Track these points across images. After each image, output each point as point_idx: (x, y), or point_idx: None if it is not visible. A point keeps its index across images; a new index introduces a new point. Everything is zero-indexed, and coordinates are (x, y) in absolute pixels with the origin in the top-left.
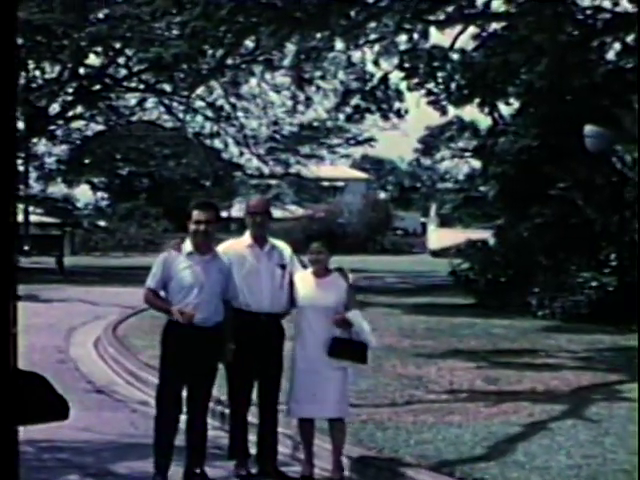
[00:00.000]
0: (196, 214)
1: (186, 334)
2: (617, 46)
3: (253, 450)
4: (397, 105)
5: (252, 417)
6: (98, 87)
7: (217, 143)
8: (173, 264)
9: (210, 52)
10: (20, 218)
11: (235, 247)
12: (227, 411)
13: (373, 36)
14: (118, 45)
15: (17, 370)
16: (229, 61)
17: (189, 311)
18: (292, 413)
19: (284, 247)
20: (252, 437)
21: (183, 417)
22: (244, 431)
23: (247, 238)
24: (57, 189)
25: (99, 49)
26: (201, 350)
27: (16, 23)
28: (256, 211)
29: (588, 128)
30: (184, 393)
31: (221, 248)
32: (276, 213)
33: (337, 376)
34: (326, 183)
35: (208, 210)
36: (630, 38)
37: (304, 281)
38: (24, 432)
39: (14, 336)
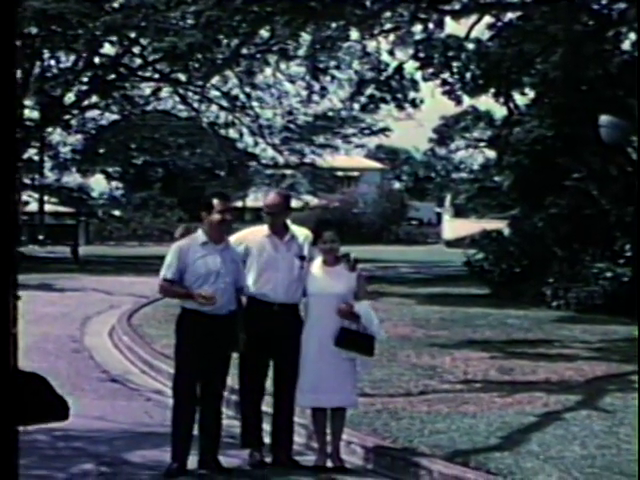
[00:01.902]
0: (220, 204)
1: (201, 322)
2: (632, 36)
3: (267, 439)
4: (412, 95)
5: (266, 406)
6: (113, 76)
7: (232, 133)
8: (188, 253)
9: (225, 42)
10: (35, 207)
11: (254, 236)
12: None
13: (388, 26)
14: (133, 34)
15: (17, 370)
16: (244, 51)
17: (210, 294)
18: (299, 402)
19: (304, 235)
20: (266, 426)
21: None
22: (258, 420)
23: (266, 228)
24: (72, 179)
25: (114, 38)
26: (216, 338)
27: (16, 21)
28: (270, 211)
29: (603, 118)
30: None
31: (239, 236)
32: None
33: (345, 366)
34: (341, 173)
35: (228, 200)
36: None
37: (315, 269)
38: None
39: (14, 336)
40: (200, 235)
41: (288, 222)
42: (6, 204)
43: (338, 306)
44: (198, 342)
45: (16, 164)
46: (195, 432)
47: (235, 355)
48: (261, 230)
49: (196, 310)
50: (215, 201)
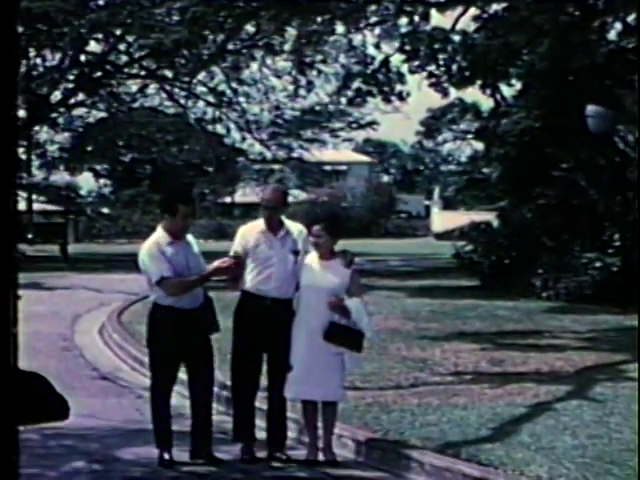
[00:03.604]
0: (185, 209)
1: (174, 316)
2: (618, 26)
3: (259, 434)
4: (399, 88)
5: (258, 402)
6: (99, 74)
7: (219, 128)
8: (165, 252)
9: (211, 37)
10: (23, 206)
11: (250, 231)
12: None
13: (374, 19)
14: (119, 32)
15: (17, 370)
16: (230, 46)
17: (230, 260)
18: (287, 394)
19: (299, 230)
20: (258, 421)
21: (188, 402)
22: (251, 415)
23: (261, 223)
24: (60, 177)
25: (100, 36)
26: (191, 331)
27: (16, 19)
28: (269, 205)
29: (590, 108)
30: (185, 377)
31: (240, 236)
32: None
33: (333, 360)
34: (329, 167)
35: (193, 202)
36: (631, 18)
37: (309, 262)
38: None
39: (14, 336)
40: (162, 234)
41: (282, 217)
42: (6, 203)
43: (329, 300)
44: (172, 338)
45: (16, 163)
46: (187, 428)
47: (228, 350)
48: (256, 225)
49: (170, 306)
50: (180, 207)
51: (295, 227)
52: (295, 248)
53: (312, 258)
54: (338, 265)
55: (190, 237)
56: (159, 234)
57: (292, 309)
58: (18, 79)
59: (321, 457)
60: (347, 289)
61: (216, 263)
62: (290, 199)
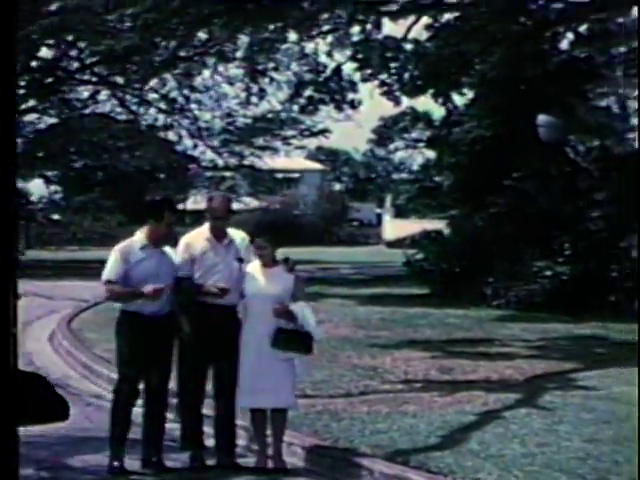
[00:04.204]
0: (170, 216)
1: (141, 324)
2: (570, 36)
3: (208, 442)
4: (351, 96)
5: (207, 409)
6: (50, 80)
7: (171, 135)
8: (130, 256)
9: (162, 44)
10: None
11: (195, 239)
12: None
13: (326, 27)
14: (70, 38)
15: (17, 370)
16: (182, 53)
17: (158, 287)
18: (238, 403)
19: (242, 238)
20: (207, 429)
21: (140, 409)
22: (199, 423)
23: (206, 231)
24: None
25: (51, 42)
26: (155, 339)
27: (16, 22)
28: (218, 215)
29: (541, 118)
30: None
31: (185, 241)
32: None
33: (284, 367)
34: (281, 175)
35: (176, 210)
36: (583, 28)
37: (252, 271)
38: None
39: (14, 336)
40: (139, 238)
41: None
42: (5, 204)
43: (274, 307)
44: (138, 344)
45: (15, 164)
46: (137, 436)
47: (175, 357)
48: (200, 233)
49: (136, 312)
50: (167, 214)
51: (238, 235)
52: (239, 255)
53: (255, 267)
54: (281, 272)
55: (168, 248)
56: (136, 238)
57: (237, 316)
58: (16, 89)
59: (270, 465)
60: (292, 295)
61: (149, 287)
62: (242, 207)
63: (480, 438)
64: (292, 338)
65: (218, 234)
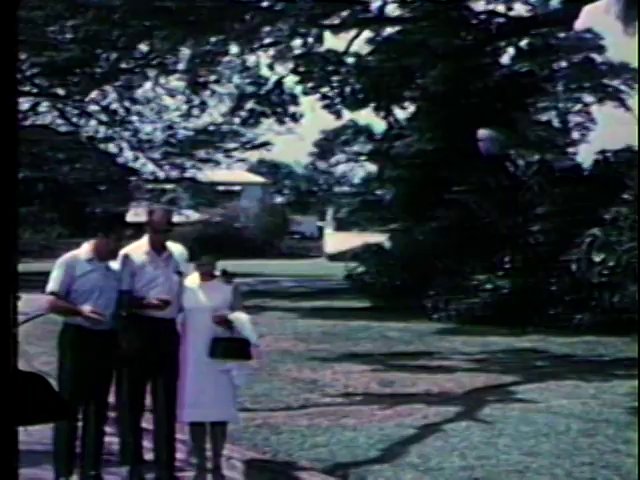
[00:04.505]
0: (121, 230)
1: (84, 338)
2: (512, 50)
3: (147, 456)
4: (292, 109)
5: (146, 423)
6: None
7: (112, 147)
8: (75, 268)
9: (103, 56)
10: None
11: (134, 252)
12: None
13: (268, 40)
14: None
15: (17, 370)
16: (123, 65)
17: (100, 312)
18: (179, 417)
19: (180, 252)
20: (146, 443)
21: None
22: (138, 437)
23: (145, 244)
24: None
25: None
26: (98, 354)
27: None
28: (159, 228)
29: (482, 132)
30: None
31: (124, 254)
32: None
33: (224, 380)
34: (222, 187)
35: (126, 225)
36: (524, 42)
37: (191, 284)
38: None
39: (14, 336)
40: (85, 251)
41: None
42: (5, 206)
43: (213, 315)
44: (80, 358)
45: (17, 166)
46: (77, 449)
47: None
48: (140, 246)
49: (79, 326)
50: (118, 229)
51: (177, 248)
52: (178, 269)
53: (193, 279)
54: (220, 284)
55: (113, 263)
56: (82, 250)
57: (176, 329)
58: (17, 96)
59: (210, 479)
60: (230, 307)
61: (88, 308)
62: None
63: (420, 451)
64: (229, 346)
65: (158, 247)
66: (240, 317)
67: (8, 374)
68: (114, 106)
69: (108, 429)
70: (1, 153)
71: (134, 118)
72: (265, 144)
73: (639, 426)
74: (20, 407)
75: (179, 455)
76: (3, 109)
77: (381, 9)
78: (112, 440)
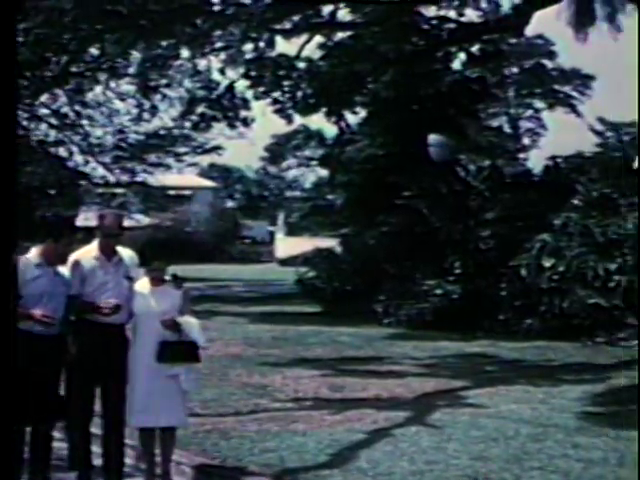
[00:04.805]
0: (71, 235)
1: (30, 343)
2: (462, 56)
3: (96, 461)
4: (243, 113)
5: (95, 428)
6: None
7: (62, 151)
8: (25, 273)
9: (54, 59)
10: None
11: (84, 257)
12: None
13: (219, 44)
14: None
15: (17, 370)
16: (73, 68)
17: (49, 314)
18: (129, 422)
19: (130, 256)
20: (95, 448)
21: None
22: (86, 442)
23: (94, 248)
24: None
25: None
26: (46, 359)
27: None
28: (110, 233)
29: (432, 137)
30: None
31: (74, 259)
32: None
33: (174, 385)
34: (173, 192)
35: (76, 230)
36: (475, 48)
37: (141, 289)
38: None
39: (14, 336)
40: (34, 255)
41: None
42: (6, 207)
43: (161, 319)
44: (27, 363)
45: (16, 171)
46: (25, 454)
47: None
48: (90, 250)
49: (27, 331)
50: (67, 233)
51: (126, 253)
52: (128, 274)
53: (143, 284)
54: (169, 289)
55: (62, 269)
56: (31, 255)
57: (125, 335)
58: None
59: None
60: (179, 311)
61: (38, 312)
62: (133, 224)
63: (369, 456)
64: (177, 349)
65: (108, 252)
66: (188, 320)
67: (8, 374)
68: (64, 110)
69: (57, 434)
70: (1, 153)
71: (85, 122)
72: (216, 148)
73: (639, 427)
74: (20, 407)
75: (128, 460)
76: (3, 109)
77: (333, 14)
78: (61, 445)
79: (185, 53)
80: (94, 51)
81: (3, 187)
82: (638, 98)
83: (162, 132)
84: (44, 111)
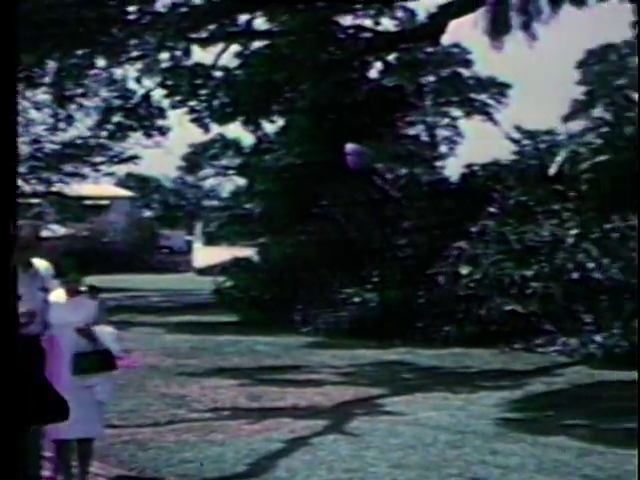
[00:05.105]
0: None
1: None
2: (379, 65)
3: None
4: (160, 122)
5: None
6: None
7: None
8: None
9: None
10: None
11: None
12: None
13: (135, 53)
14: None
15: (17, 371)
16: None
17: None
18: (46, 434)
19: (46, 267)
20: None
21: None
22: None
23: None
24: None
25: None
26: None
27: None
28: (28, 245)
29: (350, 146)
30: None
31: None
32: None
33: (89, 395)
34: (89, 202)
35: None
36: (391, 57)
37: (56, 300)
38: None
39: (15, 337)
40: None
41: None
42: (6, 208)
43: (76, 327)
44: None
45: (16, 171)
46: None
47: None
48: None
49: None
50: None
51: (41, 264)
52: (43, 285)
53: (59, 295)
54: (85, 299)
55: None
56: None
57: (40, 346)
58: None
59: None
60: (95, 321)
61: None
62: (49, 234)
63: (288, 465)
64: (92, 358)
65: (23, 264)
66: (102, 329)
67: (8, 374)
68: None
69: None
70: (1, 153)
71: None
72: (133, 158)
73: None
74: (20, 407)
75: (46, 472)
76: (3, 109)
77: (249, 23)
78: None
79: (101, 62)
80: None
81: (3, 187)
82: (639, 98)
83: (78, 142)
84: None
